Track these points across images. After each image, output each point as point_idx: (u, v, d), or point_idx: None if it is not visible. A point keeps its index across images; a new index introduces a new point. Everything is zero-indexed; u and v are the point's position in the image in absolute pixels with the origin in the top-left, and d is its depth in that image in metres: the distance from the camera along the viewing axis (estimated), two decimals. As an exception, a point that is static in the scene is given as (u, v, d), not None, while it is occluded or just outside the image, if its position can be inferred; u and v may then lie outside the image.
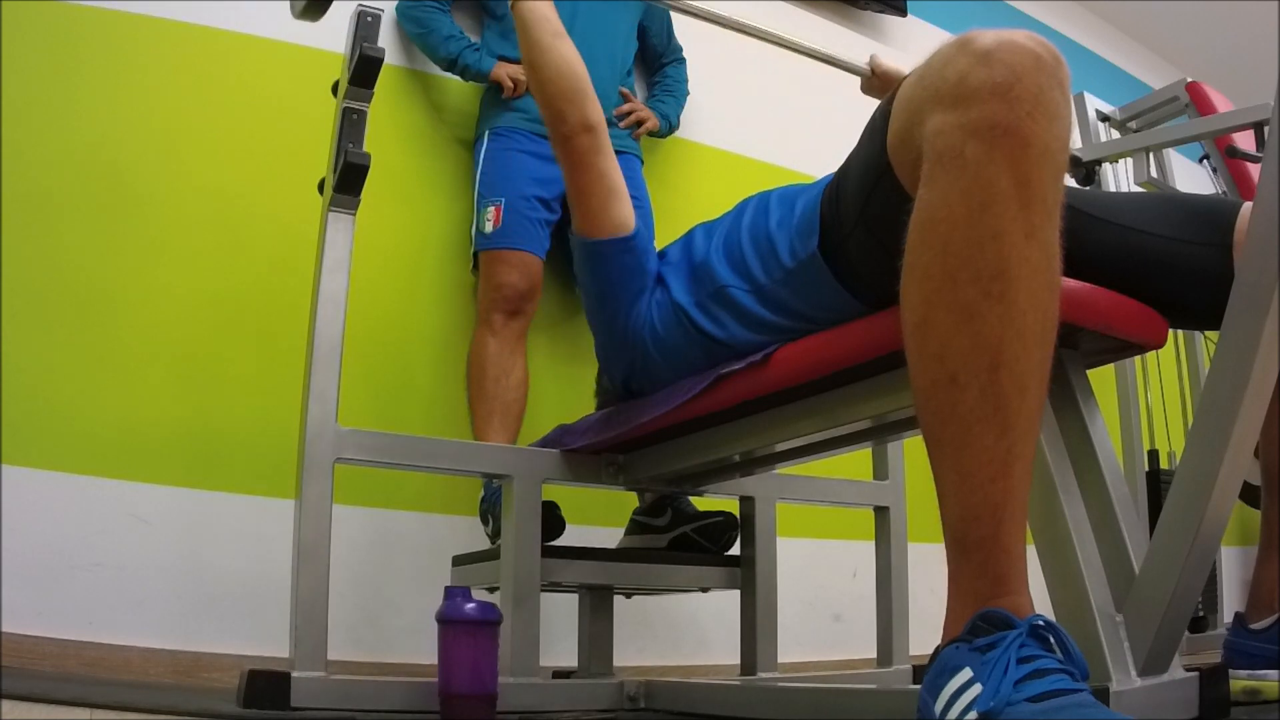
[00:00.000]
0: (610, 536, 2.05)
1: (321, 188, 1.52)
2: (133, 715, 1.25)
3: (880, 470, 1.92)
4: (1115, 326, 1.08)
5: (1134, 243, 1.16)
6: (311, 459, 1.39)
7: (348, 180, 1.44)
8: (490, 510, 2.00)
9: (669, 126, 2.52)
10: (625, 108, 2.40)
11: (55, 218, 1.98)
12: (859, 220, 1.11)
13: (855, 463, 1.94)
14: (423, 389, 2.28)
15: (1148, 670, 0.94)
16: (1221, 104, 2.82)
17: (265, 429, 2.03)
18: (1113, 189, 2.86)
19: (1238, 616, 1.28)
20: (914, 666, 1.77)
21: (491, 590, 1.68)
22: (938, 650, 0.83)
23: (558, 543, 1.79)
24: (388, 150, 2.17)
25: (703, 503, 1.98)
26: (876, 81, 1.85)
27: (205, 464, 2.00)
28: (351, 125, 1.47)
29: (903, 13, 3.25)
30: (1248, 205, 1.03)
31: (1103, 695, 0.87)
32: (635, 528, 2.00)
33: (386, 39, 2.30)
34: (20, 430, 1.84)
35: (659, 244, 2.31)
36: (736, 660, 1.77)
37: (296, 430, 1.43)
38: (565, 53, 1.48)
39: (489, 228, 2.18)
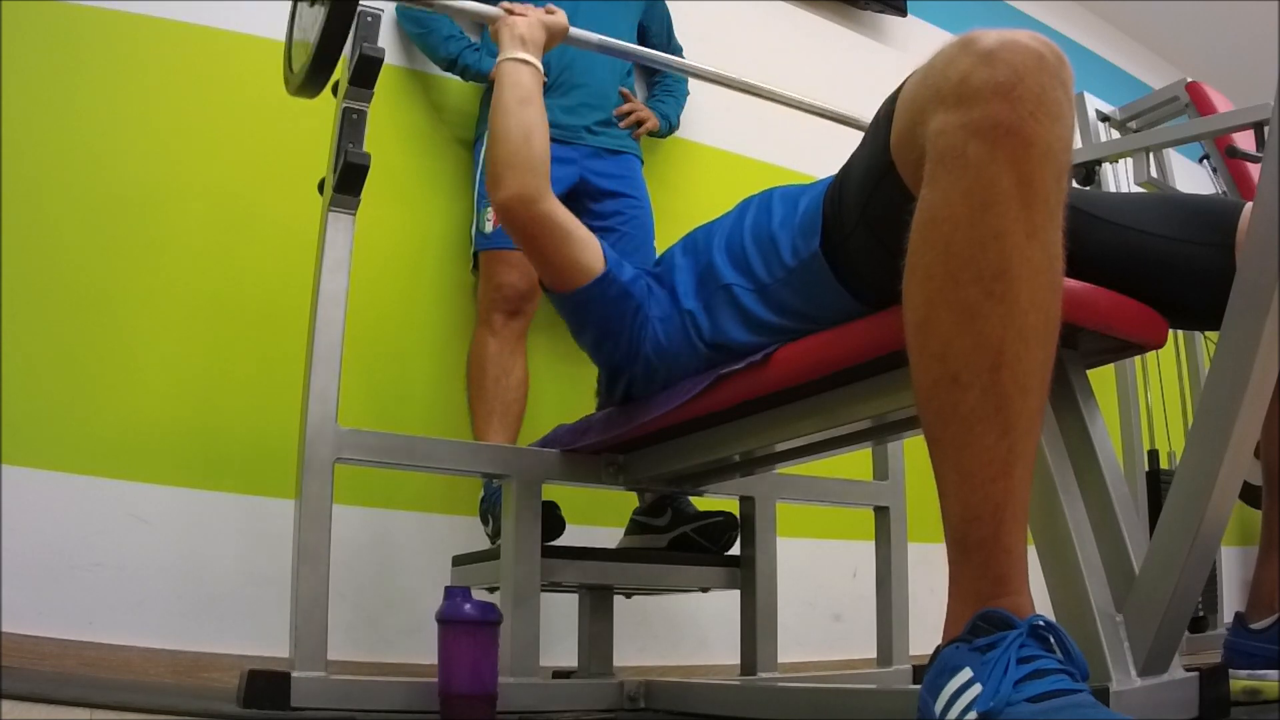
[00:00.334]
0: (610, 536, 2.05)
1: (321, 188, 1.52)
2: (133, 715, 1.25)
3: (880, 470, 1.92)
4: (1115, 326, 1.08)
5: (1135, 243, 1.16)
6: (311, 459, 1.39)
7: (348, 180, 1.44)
8: (490, 510, 2.00)
9: (669, 126, 2.53)
10: (625, 108, 2.40)
11: (55, 218, 1.98)
12: (861, 220, 1.11)
13: (855, 463, 1.94)
14: (423, 389, 2.28)
15: (1148, 670, 0.94)
16: (1221, 104, 2.83)
17: (265, 429, 2.03)
18: (1113, 189, 2.86)
19: (1238, 616, 1.28)
20: (914, 666, 1.77)
21: (491, 590, 1.68)
22: (938, 650, 0.83)
23: (558, 543, 1.79)
24: (388, 150, 2.17)
25: (703, 503, 1.98)
26: None
27: (205, 464, 2.00)
28: (351, 125, 1.47)
29: (903, 13, 3.25)
30: (1249, 205, 1.03)
31: (1103, 695, 0.87)
32: (635, 528, 2.00)
33: (386, 39, 2.30)
34: (20, 430, 1.84)
35: (658, 244, 2.33)
36: (736, 660, 1.77)
37: (296, 430, 1.43)
38: (525, 120, 1.45)
39: (489, 228, 2.18)
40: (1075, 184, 2.76)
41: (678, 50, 2.63)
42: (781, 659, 1.75)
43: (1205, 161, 2.95)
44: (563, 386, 2.36)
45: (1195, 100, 2.83)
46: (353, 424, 1.44)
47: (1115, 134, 3.00)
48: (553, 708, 1.46)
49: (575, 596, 1.85)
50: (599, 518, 2.19)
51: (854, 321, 1.16)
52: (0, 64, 1.94)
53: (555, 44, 1.63)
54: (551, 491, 1.67)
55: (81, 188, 2.01)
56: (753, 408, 1.35)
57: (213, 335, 2.07)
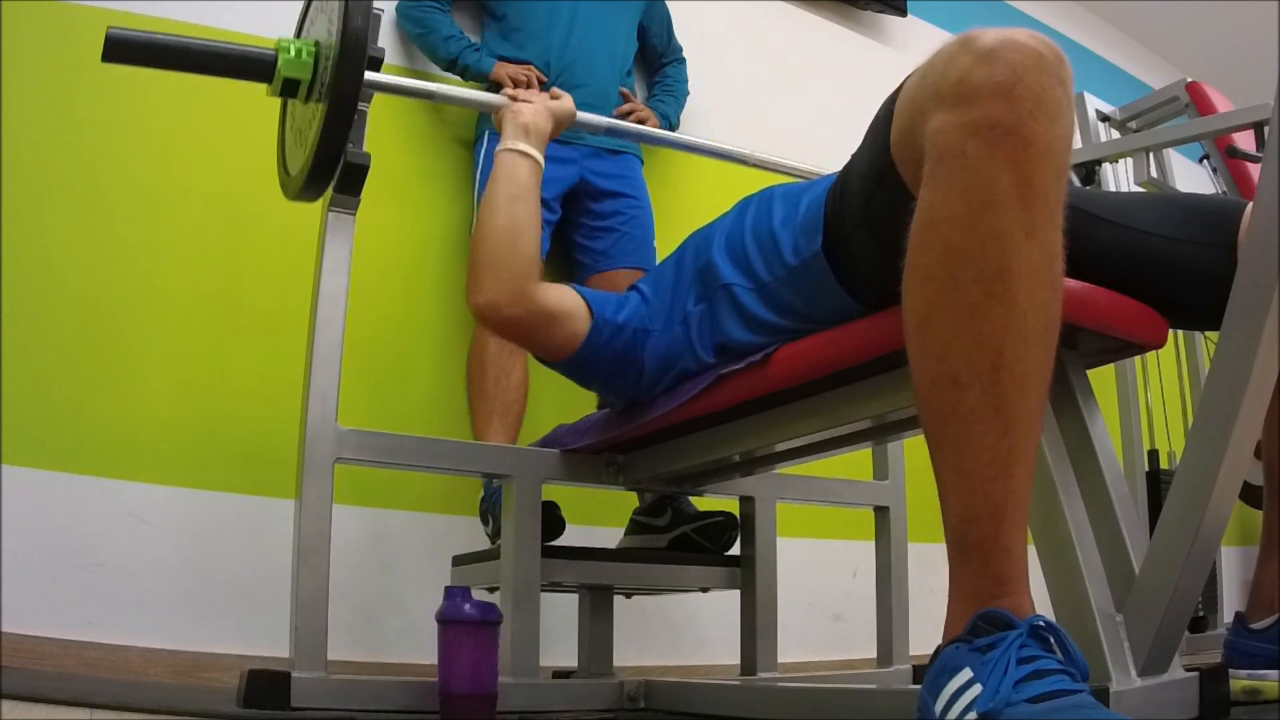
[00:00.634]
0: (610, 536, 2.05)
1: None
2: (133, 715, 1.25)
3: (880, 470, 1.92)
4: (1115, 326, 1.08)
5: (1135, 243, 1.16)
6: (311, 459, 1.39)
7: (348, 180, 1.44)
8: (490, 510, 2.00)
9: (669, 126, 2.52)
10: (625, 108, 2.40)
11: (55, 218, 1.98)
12: (861, 220, 1.11)
13: (855, 463, 1.94)
14: (423, 389, 2.28)
15: (1148, 670, 0.94)
16: (1221, 104, 2.83)
17: (265, 429, 2.03)
18: (1113, 189, 2.86)
19: (1238, 616, 1.28)
20: (914, 666, 1.77)
21: (491, 590, 1.67)
22: (938, 650, 0.83)
23: (558, 543, 1.79)
24: (388, 150, 2.17)
25: (703, 503, 1.98)
26: None
27: (205, 464, 2.00)
28: (351, 125, 1.47)
29: (903, 13, 3.25)
30: (1250, 206, 1.03)
31: (1103, 695, 0.87)
32: (635, 528, 2.00)
33: (386, 39, 2.30)
34: (20, 430, 1.84)
35: (659, 244, 2.33)
36: (736, 660, 1.77)
37: (296, 430, 1.43)
38: (514, 219, 1.42)
39: (489, 228, 2.17)
40: (1077, 183, 2.76)
41: (677, 50, 2.64)
42: (781, 659, 1.75)
43: (1205, 161, 2.96)
44: (563, 386, 2.35)
45: (1195, 100, 2.83)
46: (353, 424, 1.44)
47: (1115, 134, 3.00)
48: (553, 708, 1.46)
49: (575, 596, 1.85)
50: (599, 518, 2.19)
51: (854, 321, 1.16)
52: (0, 64, 1.94)
53: (561, 131, 1.59)
54: (551, 491, 1.67)
55: (81, 188, 2.01)
56: (753, 408, 1.35)
57: (213, 335, 2.07)
